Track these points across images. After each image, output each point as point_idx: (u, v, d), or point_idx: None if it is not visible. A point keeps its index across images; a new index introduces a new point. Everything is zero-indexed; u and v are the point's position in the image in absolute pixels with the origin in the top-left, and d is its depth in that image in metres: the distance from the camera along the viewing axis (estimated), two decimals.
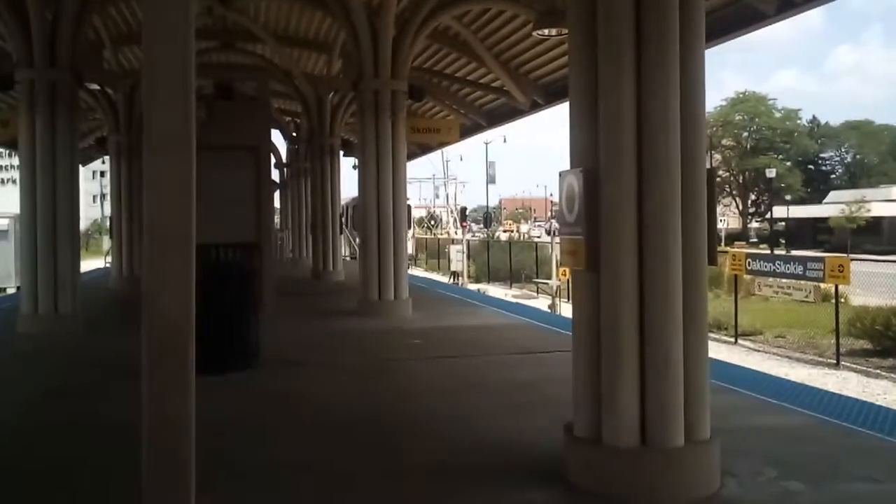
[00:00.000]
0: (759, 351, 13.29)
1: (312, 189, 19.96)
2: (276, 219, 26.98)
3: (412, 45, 11.79)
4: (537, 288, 22.18)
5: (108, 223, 22.13)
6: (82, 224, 17.78)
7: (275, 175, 25.63)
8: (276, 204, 26.90)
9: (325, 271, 18.27)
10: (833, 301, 12.61)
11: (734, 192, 74.63)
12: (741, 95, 73.73)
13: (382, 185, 11.39)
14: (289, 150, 26.73)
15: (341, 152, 19.38)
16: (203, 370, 3.73)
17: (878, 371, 11.28)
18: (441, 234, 58.04)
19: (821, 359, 12.17)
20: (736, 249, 25.37)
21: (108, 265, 23.74)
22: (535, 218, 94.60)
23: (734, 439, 4.69)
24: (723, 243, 44.42)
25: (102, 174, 63.28)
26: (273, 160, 23.55)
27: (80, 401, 6.43)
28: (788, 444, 5.05)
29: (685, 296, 4.18)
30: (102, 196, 64.77)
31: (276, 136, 25.07)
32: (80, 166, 15.19)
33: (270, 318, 9.37)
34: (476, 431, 5.43)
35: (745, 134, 72.60)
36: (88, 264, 22.64)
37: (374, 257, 11.33)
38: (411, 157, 23.16)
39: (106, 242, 30.67)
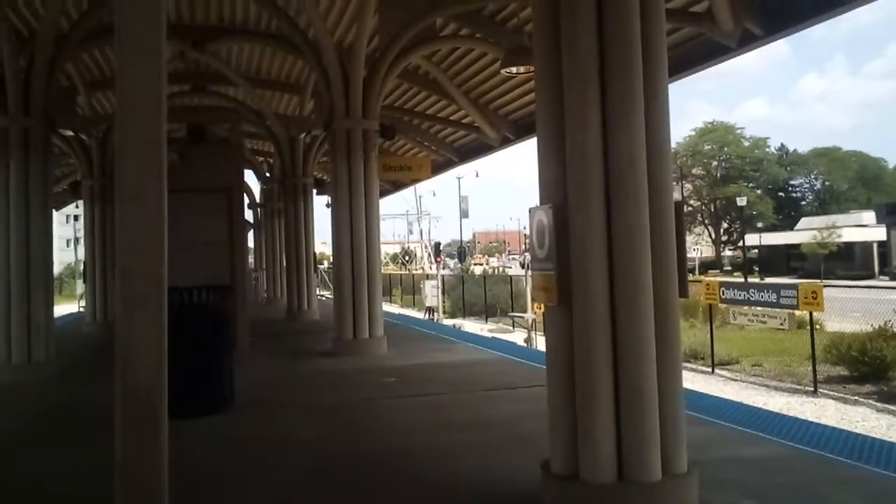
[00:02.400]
0: (736, 380, 13.34)
1: (286, 229, 19.92)
2: (251, 259, 26.85)
3: (383, 84, 11.91)
4: (513, 322, 22.18)
5: (81, 267, 21.84)
6: (56, 268, 17.56)
7: (248, 215, 25.56)
8: (251, 244, 26.80)
9: (300, 311, 18.14)
10: (808, 328, 12.73)
11: (706, 221, 75.63)
12: (710, 125, 75.25)
13: (356, 224, 11.40)
14: (262, 190, 26.71)
15: (314, 191, 19.40)
16: (177, 414, 3.69)
17: (856, 398, 11.34)
18: (416, 269, 58.02)
19: (798, 386, 12.23)
20: (710, 278, 25.61)
21: (81, 309, 23.37)
22: (508, 251, 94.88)
23: (712, 471, 4.69)
24: (696, 272, 44.86)
25: (76, 218, 62.52)
26: (246, 200, 23.50)
27: (55, 450, 6.29)
28: (767, 476, 5.04)
29: (657, 328, 4.20)
30: (76, 240, 63.97)
31: (250, 177, 25.09)
32: (54, 211, 15.07)
33: (245, 360, 9.26)
34: (455, 471, 5.38)
35: (715, 163, 73.87)
36: (62, 308, 22.28)
37: (348, 296, 11.29)
38: (384, 193, 23.27)
39: (79, 286, 30.23)
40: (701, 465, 4.36)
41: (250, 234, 26.78)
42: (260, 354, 11.19)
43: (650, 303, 4.18)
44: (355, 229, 11.38)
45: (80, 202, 20.06)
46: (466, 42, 12.54)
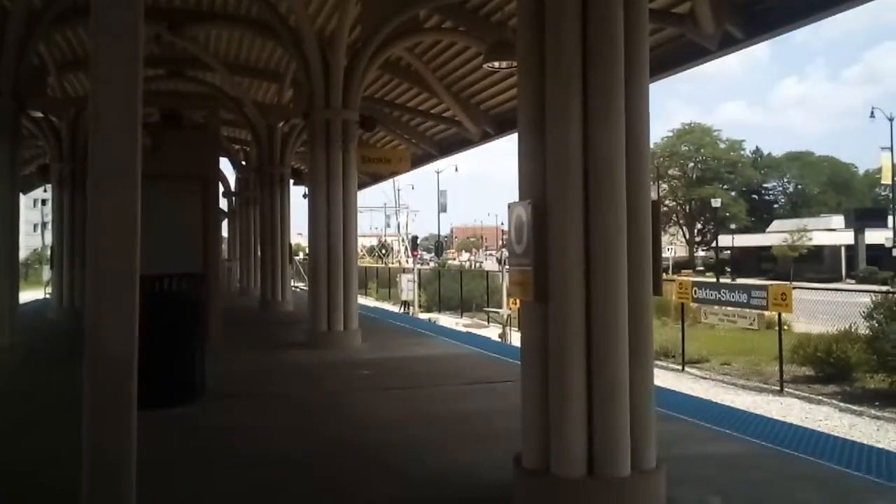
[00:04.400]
0: (705, 378, 13.51)
1: (261, 218, 19.75)
2: (225, 248, 26.60)
3: (364, 75, 11.84)
4: (488, 317, 22.22)
5: (48, 252, 21.49)
6: (22, 253, 17.24)
7: (223, 204, 25.31)
8: (225, 233, 26.54)
9: (273, 302, 18.04)
10: (776, 328, 12.92)
11: (681, 222, 76.41)
12: (687, 126, 75.92)
13: (332, 215, 11.33)
14: (238, 179, 26.46)
15: (291, 181, 19.25)
16: (147, 404, 3.64)
17: (820, 397, 11.54)
18: (392, 263, 57.88)
19: (765, 385, 12.41)
20: (683, 278, 25.87)
21: (47, 296, 23.01)
22: (486, 247, 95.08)
23: (680, 467, 4.74)
24: (670, 272, 45.26)
25: (44, 202, 61.63)
26: (221, 189, 23.26)
27: (17, 436, 6.18)
28: (733, 472, 5.11)
29: (631, 325, 4.22)
30: (43, 225, 63.03)
31: (226, 165, 24.83)
32: (21, 194, 14.79)
33: (217, 351, 9.18)
34: (428, 464, 5.38)
35: (692, 164, 74.60)
36: (28, 295, 21.92)
37: (323, 287, 11.23)
38: (362, 186, 23.15)
39: (46, 272, 29.75)
40: (669, 460, 4.40)
41: (224, 223, 26.52)
42: (232, 345, 11.09)
43: (625, 300, 4.21)
44: (332, 221, 11.31)
45: (49, 186, 19.75)
46: (449, 35, 12.51)
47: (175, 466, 5.25)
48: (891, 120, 48.46)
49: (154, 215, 5.42)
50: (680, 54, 10.14)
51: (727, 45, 9.09)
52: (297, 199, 20.52)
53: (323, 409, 7.38)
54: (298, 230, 27.83)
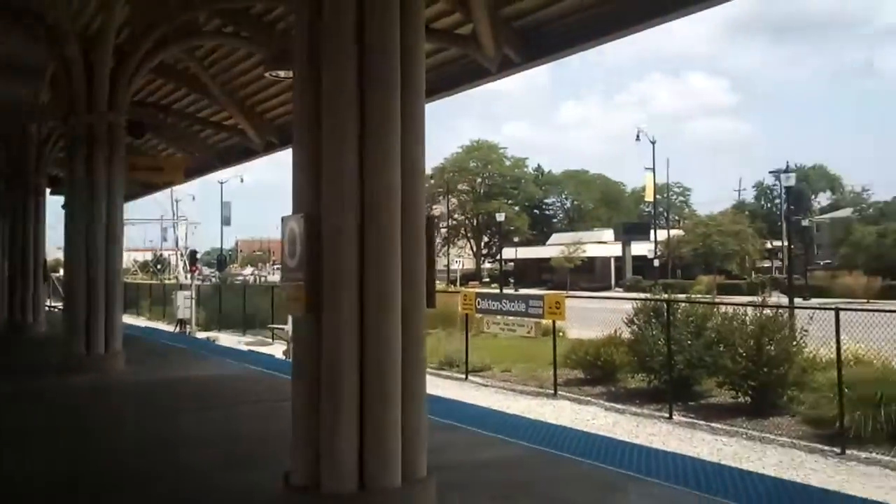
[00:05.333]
0: (487, 386, 13.98)
1: (11, 231, 17.64)
2: None
3: (133, 78, 11.02)
4: (272, 333, 21.52)
5: None
6: None
7: None
8: None
9: (24, 323, 16.29)
10: (552, 335, 13.71)
11: (469, 235, 79.58)
12: (475, 143, 79.37)
13: (94, 227, 10.37)
14: None
15: (48, 190, 17.42)
16: None
17: (589, 398, 12.33)
18: (169, 279, 54.62)
19: (541, 390, 13.06)
20: (468, 289, 26.84)
21: None
22: (273, 261, 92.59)
23: (453, 474, 4.84)
24: (458, 284, 46.93)
25: None
26: None
27: None
28: (503, 476, 5.32)
29: (405, 337, 4.25)
30: None
31: None
32: None
33: None
34: (198, 489, 5.10)
35: (479, 179, 78.05)
36: None
37: (81, 306, 10.23)
38: (133, 196, 21.57)
39: None
40: (444, 468, 4.50)
41: None
42: None
43: (398, 313, 4.23)
44: (93, 233, 10.34)
45: None
46: (231, 40, 11.95)
47: None
48: (653, 143, 53.90)
49: None
50: (463, 74, 10.43)
51: (506, 67, 9.48)
52: (58, 209, 18.67)
53: (80, 438, 6.69)
54: (59, 244, 25.28)
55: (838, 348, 9.15)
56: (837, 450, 8.59)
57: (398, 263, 4.25)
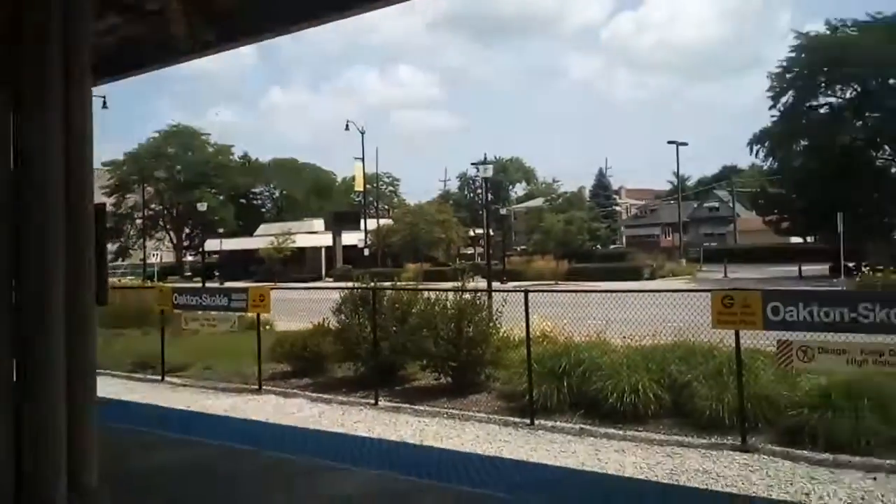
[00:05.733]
0: (186, 385, 13.13)
1: None
2: None
3: None
4: None
5: None
6: None
7: None
8: None
9: None
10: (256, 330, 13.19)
11: (168, 226, 74.85)
12: (174, 128, 74.60)
13: None
14: None
15: None
16: None
17: (295, 391, 12.11)
18: None
19: (245, 385, 12.56)
20: (168, 285, 25.19)
21: None
22: None
23: (134, 481, 4.63)
24: (156, 279, 43.82)
25: None
26: None
27: None
28: (191, 478, 5.18)
29: (71, 337, 3.86)
30: None
31: None
32: None
33: None
34: None
35: (179, 167, 73.55)
36: None
37: None
38: None
39: None
40: (125, 474, 4.35)
41: None
42: None
43: (61, 311, 3.83)
44: None
45: None
46: None
47: None
48: (362, 133, 55.08)
49: None
50: (156, 53, 9.53)
51: (203, 48, 8.81)
52: None
53: None
54: None
55: (527, 326, 9.98)
56: (528, 421, 9.31)
57: (62, 256, 3.86)
